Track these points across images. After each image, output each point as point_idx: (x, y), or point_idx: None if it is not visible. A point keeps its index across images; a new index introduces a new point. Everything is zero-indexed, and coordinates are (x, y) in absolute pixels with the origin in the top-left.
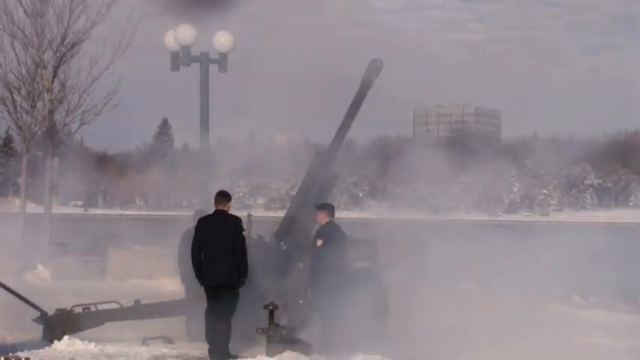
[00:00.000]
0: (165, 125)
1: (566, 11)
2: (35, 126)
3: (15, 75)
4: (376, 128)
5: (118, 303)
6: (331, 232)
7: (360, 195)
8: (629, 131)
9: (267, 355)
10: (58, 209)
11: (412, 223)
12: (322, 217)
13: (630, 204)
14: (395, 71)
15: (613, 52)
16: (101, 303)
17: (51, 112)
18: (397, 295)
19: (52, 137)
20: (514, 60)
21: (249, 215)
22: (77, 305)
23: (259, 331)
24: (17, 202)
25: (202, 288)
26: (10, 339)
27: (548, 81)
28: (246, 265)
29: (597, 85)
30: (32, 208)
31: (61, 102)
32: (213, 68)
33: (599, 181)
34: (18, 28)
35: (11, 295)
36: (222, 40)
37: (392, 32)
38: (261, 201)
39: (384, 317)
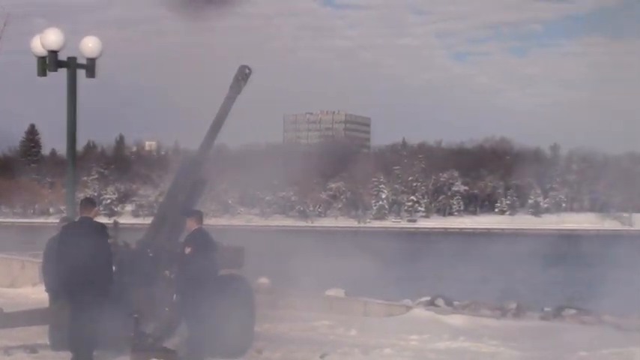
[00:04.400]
0: (32, 131)
1: (438, 19)
2: None
3: None
4: (246, 134)
5: None
6: (200, 239)
7: (230, 202)
8: (496, 138)
9: None
10: None
11: (282, 230)
12: (191, 224)
13: (496, 210)
14: (265, 78)
15: (482, 60)
16: None
17: None
18: (264, 300)
19: None
20: (384, 67)
21: (116, 222)
22: None
23: (124, 339)
24: None
25: (67, 296)
26: None
27: (418, 88)
28: (112, 272)
29: (466, 93)
30: None
31: None
32: (81, 74)
33: (466, 188)
34: None
35: None
36: (90, 45)
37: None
38: (129, 208)
39: (250, 324)
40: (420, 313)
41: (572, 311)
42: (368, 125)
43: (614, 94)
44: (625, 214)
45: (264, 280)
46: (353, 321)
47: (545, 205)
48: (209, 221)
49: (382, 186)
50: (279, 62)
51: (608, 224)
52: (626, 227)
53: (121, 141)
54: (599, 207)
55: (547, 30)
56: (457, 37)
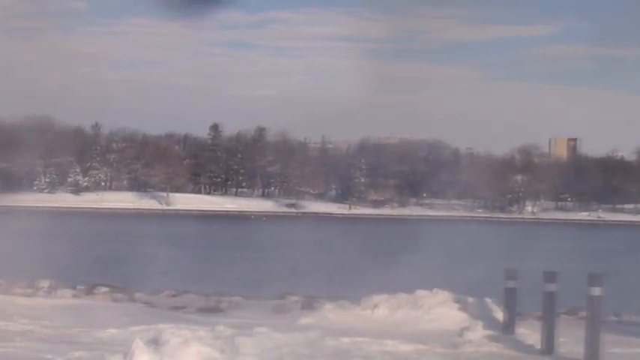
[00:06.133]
0: None
1: None
2: None
3: None
4: None
5: None
6: None
7: None
8: (37, 115)
9: None
10: None
11: None
12: None
13: (34, 188)
14: None
15: (32, 36)
16: None
17: None
18: None
19: None
20: None
21: None
22: None
23: None
24: None
25: None
26: None
27: None
28: None
29: (16, 69)
30: None
31: None
32: None
33: (4, 165)
34: None
35: None
36: None
37: None
38: None
39: None
40: None
41: (105, 289)
42: None
43: (161, 75)
44: (163, 194)
45: None
46: None
47: (85, 184)
48: None
49: None
50: None
51: (146, 203)
52: (164, 206)
53: None
54: (137, 186)
55: (93, 8)
56: (6, 11)
